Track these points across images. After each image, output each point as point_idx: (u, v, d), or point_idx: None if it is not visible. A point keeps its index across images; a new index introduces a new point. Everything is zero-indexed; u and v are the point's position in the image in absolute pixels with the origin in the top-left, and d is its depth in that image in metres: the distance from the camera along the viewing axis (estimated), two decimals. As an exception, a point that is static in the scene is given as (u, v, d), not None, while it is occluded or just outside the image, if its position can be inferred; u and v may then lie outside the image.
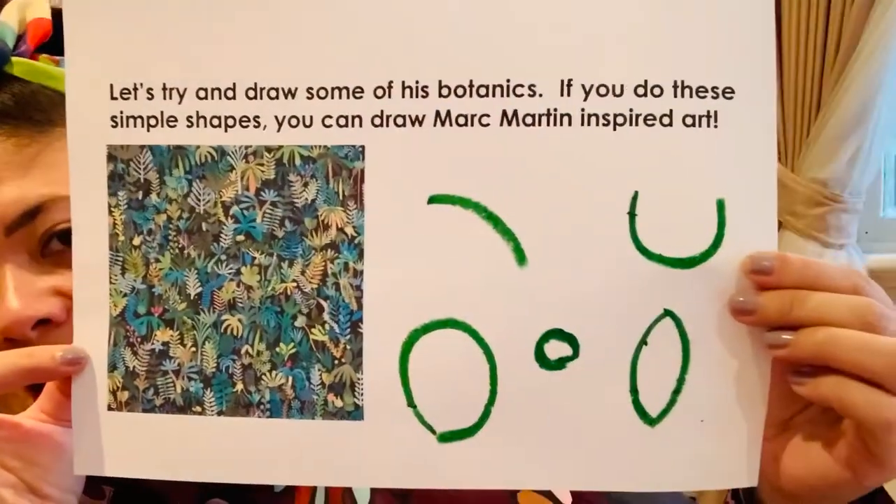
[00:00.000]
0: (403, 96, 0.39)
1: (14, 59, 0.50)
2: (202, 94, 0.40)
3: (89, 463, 0.42)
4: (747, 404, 0.39)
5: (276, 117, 0.40)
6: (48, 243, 0.48)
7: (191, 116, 0.41)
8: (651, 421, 0.40)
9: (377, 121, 0.40)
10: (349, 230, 0.40)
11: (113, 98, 0.41)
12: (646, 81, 0.39)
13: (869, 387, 0.35)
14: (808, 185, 1.42)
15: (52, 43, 0.51)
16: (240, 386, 0.41)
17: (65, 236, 0.47)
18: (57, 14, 0.50)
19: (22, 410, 0.43)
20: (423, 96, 0.39)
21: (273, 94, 0.40)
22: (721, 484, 0.40)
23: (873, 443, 0.35)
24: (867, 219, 1.57)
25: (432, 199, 0.40)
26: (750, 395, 0.39)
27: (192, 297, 0.41)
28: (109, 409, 0.42)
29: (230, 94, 0.40)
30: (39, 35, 0.51)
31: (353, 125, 0.40)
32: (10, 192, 0.47)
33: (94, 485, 0.46)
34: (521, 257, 0.39)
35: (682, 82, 0.38)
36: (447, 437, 0.40)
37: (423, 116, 0.39)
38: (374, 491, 0.50)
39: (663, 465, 0.40)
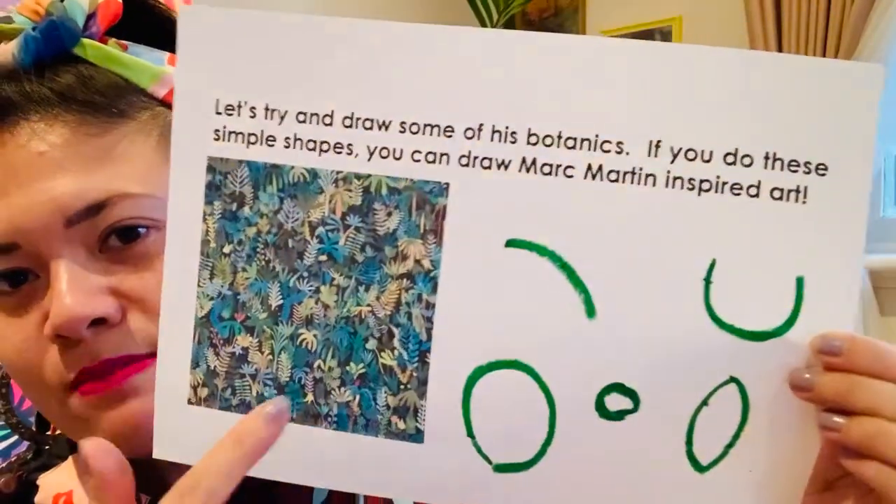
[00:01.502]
0: (492, 140, 0.40)
1: (85, 41, 0.47)
2: (301, 117, 0.42)
3: (169, 450, 0.45)
4: (794, 465, 0.40)
5: (368, 147, 0.42)
6: (107, 239, 0.46)
7: (289, 137, 0.42)
8: (701, 469, 0.40)
9: (464, 161, 0.41)
10: (426, 263, 0.41)
11: (218, 113, 0.43)
12: (736, 150, 0.38)
13: None
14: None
15: (120, 27, 0.49)
16: (310, 397, 0.43)
17: (125, 233, 0.46)
18: None
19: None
20: (511, 142, 0.40)
21: (368, 124, 0.41)
22: None
23: None
24: (867, 219, 1.52)
25: (510, 243, 0.40)
26: (797, 459, 0.40)
27: (272, 308, 0.43)
28: (189, 402, 0.44)
29: (328, 120, 0.42)
30: (110, 16, 0.48)
31: (440, 162, 0.41)
32: (73, 183, 0.45)
33: None
34: (590, 309, 0.40)
35: (774, 154, 0.38)
36: (502, 468, 0.42)
37: (510, 161, 0.40)
38: None
39: None
